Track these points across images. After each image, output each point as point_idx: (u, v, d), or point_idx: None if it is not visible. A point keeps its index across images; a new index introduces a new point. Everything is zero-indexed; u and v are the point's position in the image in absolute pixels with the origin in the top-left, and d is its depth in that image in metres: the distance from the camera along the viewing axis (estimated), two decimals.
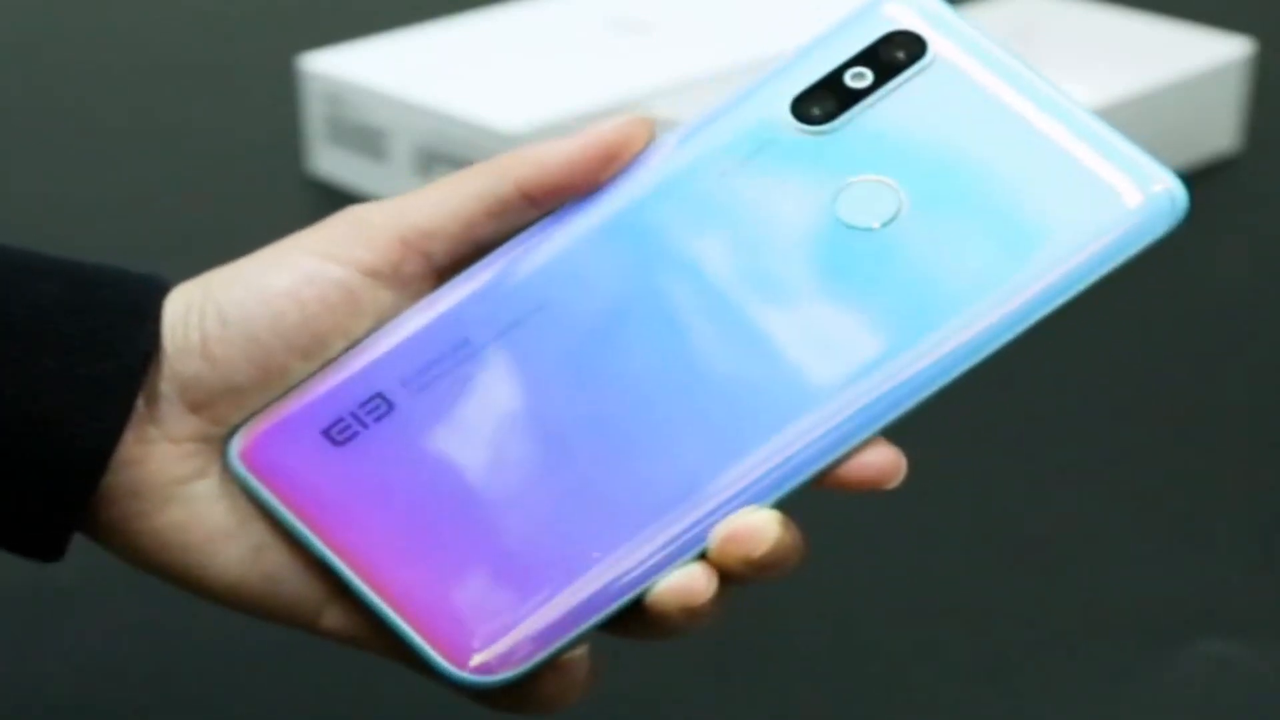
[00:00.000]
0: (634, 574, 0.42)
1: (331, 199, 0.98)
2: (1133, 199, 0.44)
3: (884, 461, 0.43)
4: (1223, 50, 1.00)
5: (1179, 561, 0.67)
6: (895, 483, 0.43)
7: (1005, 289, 0.43)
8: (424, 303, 0.45)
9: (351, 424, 0.44)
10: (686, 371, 0.43)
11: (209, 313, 0.44)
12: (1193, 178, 0.99)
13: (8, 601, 0.64)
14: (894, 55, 0.45)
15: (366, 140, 0.96)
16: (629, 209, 0.44)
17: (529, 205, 0.45)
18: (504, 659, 0.42)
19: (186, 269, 0.97)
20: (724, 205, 0.44)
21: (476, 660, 0.42)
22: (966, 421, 0.76)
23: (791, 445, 0.42)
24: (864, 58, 0.45)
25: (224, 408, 0.44)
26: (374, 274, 0.44)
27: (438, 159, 0.94)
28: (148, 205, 0.98)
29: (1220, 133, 1.01)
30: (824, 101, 0.45)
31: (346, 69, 0.97)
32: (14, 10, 1.27)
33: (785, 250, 0.43)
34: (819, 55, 0.45)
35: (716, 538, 0.42)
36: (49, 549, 0.44)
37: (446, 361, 0.44)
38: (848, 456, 0.42)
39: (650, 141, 0.45)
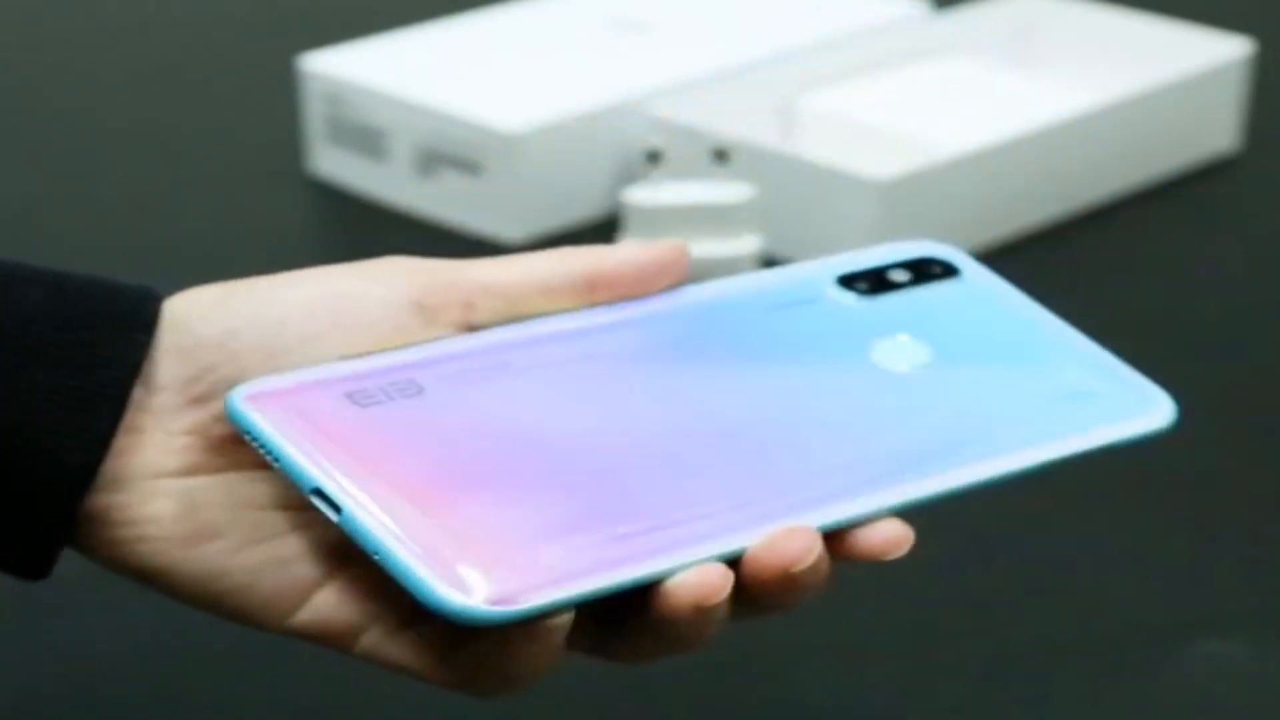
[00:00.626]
0: (660, 554, 0.41)
1: (331, 199, 0.98)
2: (1129, 406, 0.52)
3: (893, 533, 0.46)
4: (1223, 50, 1.00)
5: (1179, 561, 0.67)
6: (900, 553, 0.46)
7: (1010, 440, 0.48)
8: (466, 335, 0.45)
9: (376, 394, 0.43)
10: (728, 428, 0.45)
11: (237, 311, 0.44)
12: (1193, 178, 0.99)
13: (8, 601, 0.64)
14: (932, 269, 0.51)
15: (366, 140, 0.96)
16: (679, 311, 0.47)
17: (586, 291, 0.46)
18: (506, 596, 0.40)
19: (186, 268, 0.97)
20: (765, 328, 0.48)
21: (479, 592, 0.40)
22: None
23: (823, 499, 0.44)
24: (905, 265, 0.51)
25: (220, 403, 0.43)
26: (416, 305, 0.44)
27: (438, 159, 0.94)
28: (148, 205, 0.98)
29: (1220, 133, 1.01)
30: (866, 281, 0.50)
31: (346, 69, 0.97)
32: (13, 10, 1.27)
33: (822, 372, 0.47)
34: (865, 257, 0.51)
35: (760, 543, 0.42)
36: (34, 568, 0.44)
37: (485, 371, 0.45)
38: (861, 524, 0.45)
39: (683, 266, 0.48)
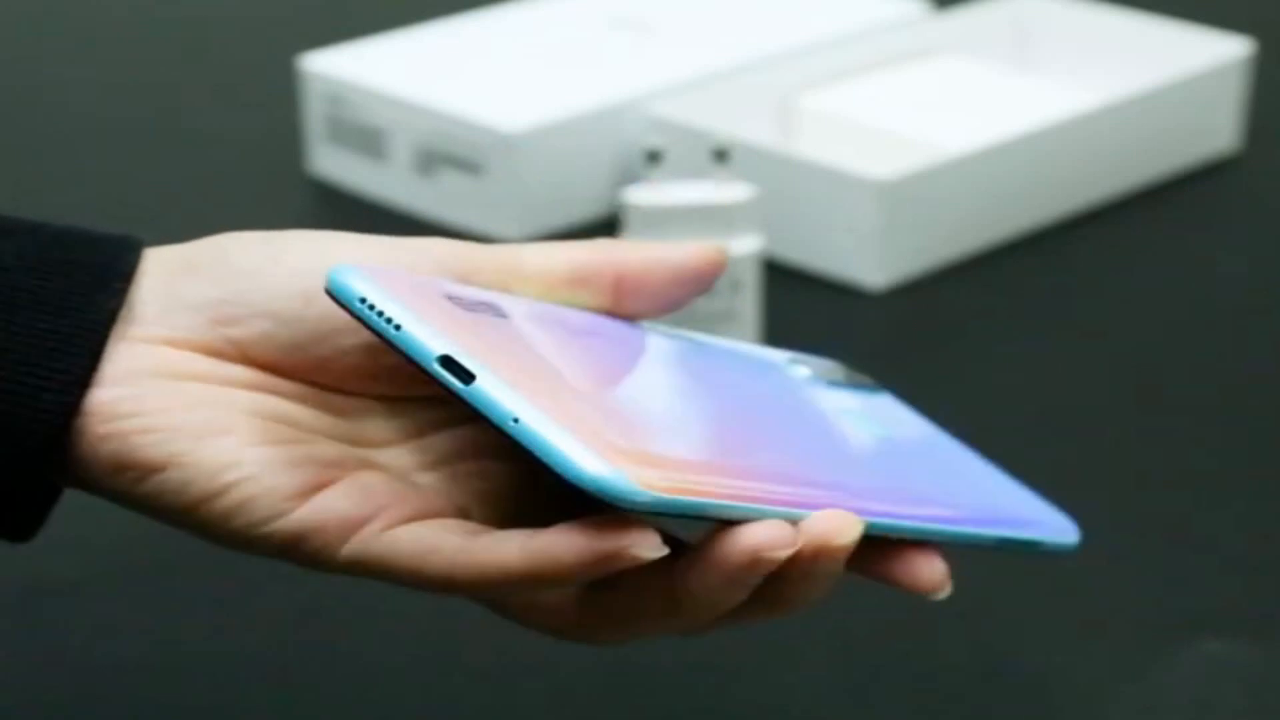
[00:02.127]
0: (779, 503, 0.42)
1: (331, 199, 0.98)
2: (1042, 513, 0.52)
3: (935, 572, 0.46)
4: (1223, 50, 1.01)
5: (1179, 561, 0.67)
6: (941, 593, 0.46)
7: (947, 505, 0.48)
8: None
9: (473, 304, 0.42)
10: (791, 422, 0.46)
11: (290, 243, 0.44)
12: (1193, 178, 0.99)
13: (8, 601, 0.64)
14: (857, 379, 0.52)
15: (366, 140, 0.96)
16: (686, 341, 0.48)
17: (612, 293, 0.46)
18: (656, 483, 0.38)
19: None
20: (752, 367, 0.48)
21: (635, 474, 0.37)
22: (967, 421, 0.76)
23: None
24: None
25: (246, 327, 0.43)
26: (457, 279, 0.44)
27: (438, 159, 0.94)
28: (148, 205, 0.98)
29: (1220, 133, 1.01)
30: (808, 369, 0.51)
31: (346, 69, 0.97)
32: (13, 10, 1.27)
33: (822, 416, 0.48)
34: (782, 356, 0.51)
35: (815, 516, 0.42)
36: (16, 524, 0.43)
37: (557, 317, 0.44)
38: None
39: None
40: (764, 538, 0.41)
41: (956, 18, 1.06)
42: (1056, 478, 0.73)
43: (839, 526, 0.42)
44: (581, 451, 0.37)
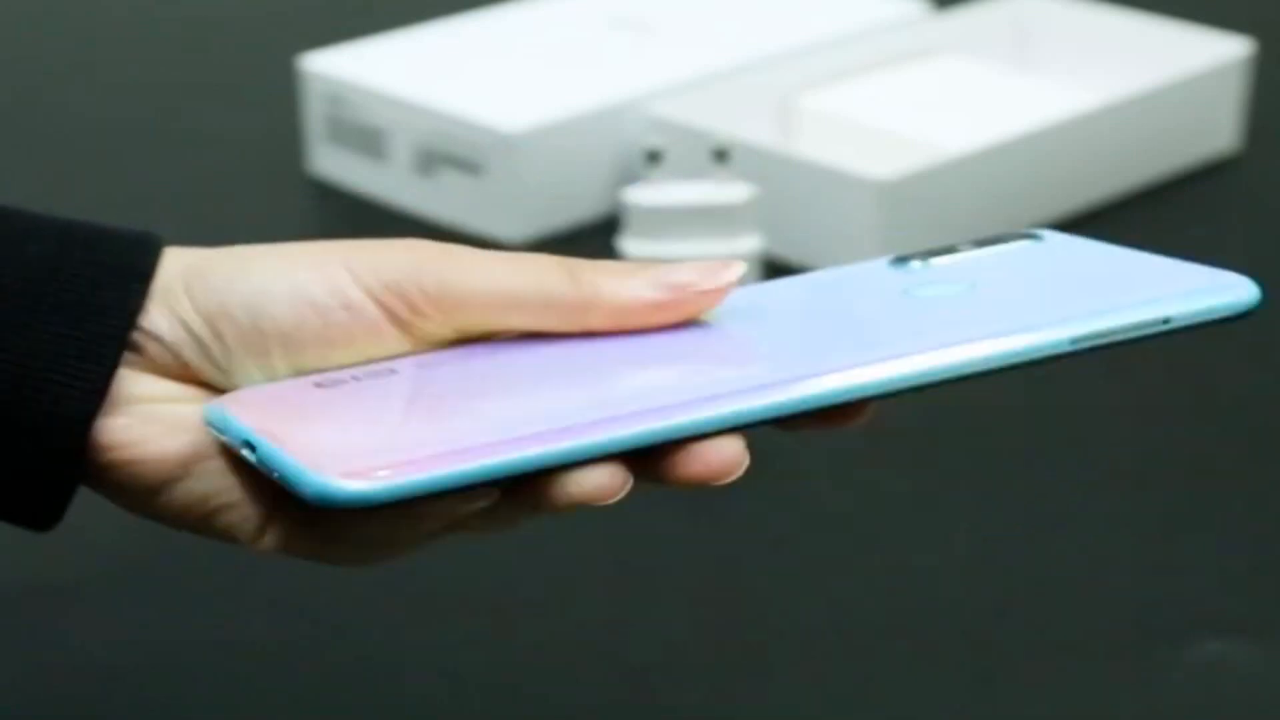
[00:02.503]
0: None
1: (331, 199, 0.98)
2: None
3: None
4: (1223, 50, 1.00)
5: (1179, 561, 0.67)
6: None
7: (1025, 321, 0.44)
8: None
9: (347, 379, 0.44)
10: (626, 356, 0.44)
11: (238, 289, 0.44)
12: (1193, 178, 0.99)
13: (8, 601, 0.64)
14: (1005, 238, 0.48)
15: (366, 140, 0.96)
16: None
17: (584, 327, 0.45)
18: (368, 473, 0.40)
19: None
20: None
21: (345, 472, 0.40)
22: (967, 422, 0.76)
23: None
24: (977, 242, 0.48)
25: (203, 375, 0.44)
26: (407, 330, 0.44)
27: (438, 159, 0.94)
28: (148, 205, 0.98)
29: (1220, 133, 1.01)
30: (923, 256, 0.47)
31: (346, 69, 0.97)
32: (13, 10, 1.27)
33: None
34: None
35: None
36: (39, 517, 0.44)
37: (454, 356, 0.45)
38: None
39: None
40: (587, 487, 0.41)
41: (956, 18, 1.06)
42: (1056, 477, 0.73)
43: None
44: (305, 469, 0.40)
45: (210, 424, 0.44)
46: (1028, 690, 0.61)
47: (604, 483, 0.41)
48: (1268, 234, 0.94)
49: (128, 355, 0.44)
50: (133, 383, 0.44)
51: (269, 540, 0.44)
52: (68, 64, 1.17)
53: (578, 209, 0.94)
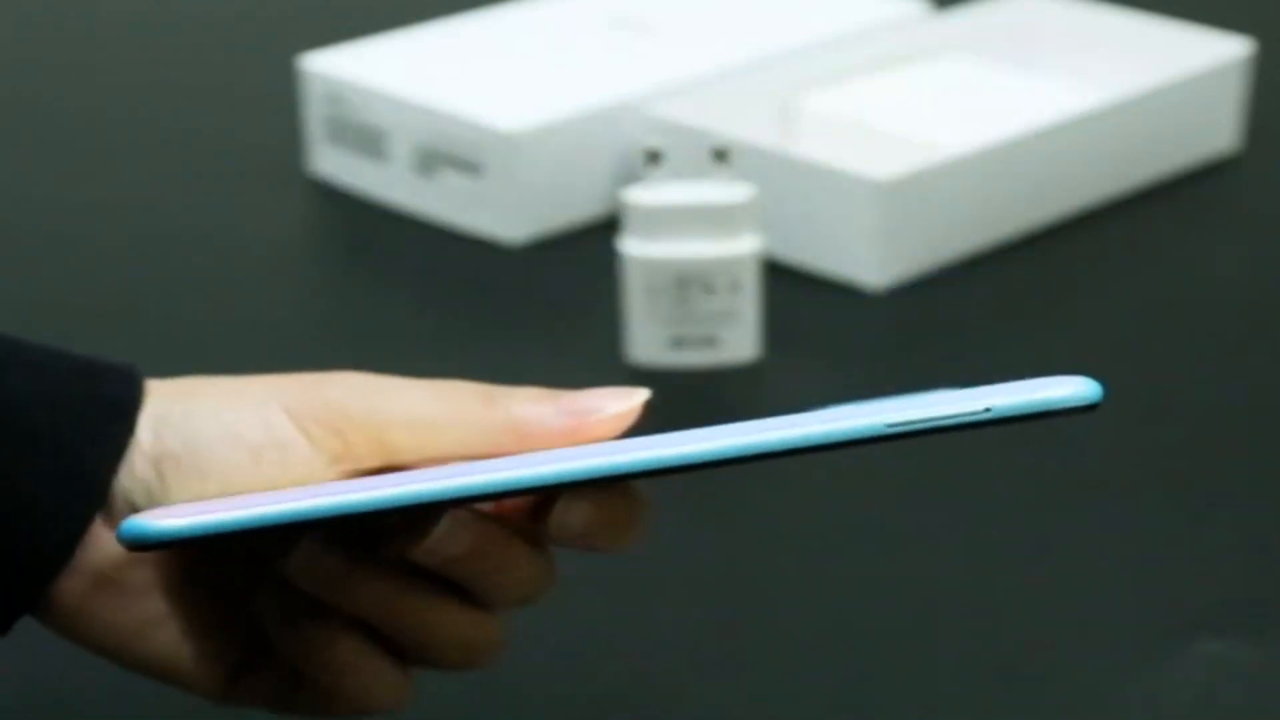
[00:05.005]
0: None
1: (331, 199, 0.98)
2: None
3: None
4: (1223, 50, 1.00)
5: (1179, 561, 0.67)
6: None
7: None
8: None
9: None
10: None
11: (179, 431, 0.46)
12: (1193, 178, 0.99)
13: None
14: None
15: (366, 140, 0.96)
16: None
17: (498, 449, 0.46)
18: (174, 517, 0.43)
19: (187, 269, 0.97)
20: None
21: (156, 519, 0.43)
22: None
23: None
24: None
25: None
26: (338, 460, 0.46)
27: (438, 159, 0.94)
28: (148, 205, 0.98)
29: (1220, 133, 1.01)
30: None
31: (346, 69, 0.97)
32: (14, 11, 1.27)
33: None
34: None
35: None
36: None
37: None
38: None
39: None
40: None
41: (956, 18, 1.06)
42: (1056, 477, 0.73)
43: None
44: (129, 522, 0.43)
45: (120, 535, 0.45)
46: (1028, 690, 0.61)
47: (445, 535, 0.44)
48: (1268, 234, 0.94)
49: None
50: (98, 546, 0.46)
51: (237, 695, 0.48)
52: (68, 64, 1.17)
53: (578, 209, 0.94)
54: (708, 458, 0.43)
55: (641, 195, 0.79)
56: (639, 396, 0.47)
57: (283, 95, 1.07)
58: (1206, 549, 0.68)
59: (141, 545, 0.43)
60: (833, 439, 0.44)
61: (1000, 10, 1.07)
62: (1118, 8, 1.10)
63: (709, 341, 0.80)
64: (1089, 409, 0.44)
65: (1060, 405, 0.44)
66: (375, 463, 0.46)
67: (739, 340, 0.80)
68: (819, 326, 0.85)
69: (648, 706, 0.60)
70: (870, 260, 0.87)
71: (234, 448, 0.45)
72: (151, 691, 0.52)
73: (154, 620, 0.47)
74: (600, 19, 1.05)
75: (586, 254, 0.91)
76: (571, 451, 0.44)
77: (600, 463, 0.43)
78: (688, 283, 0.79)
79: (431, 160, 0.94)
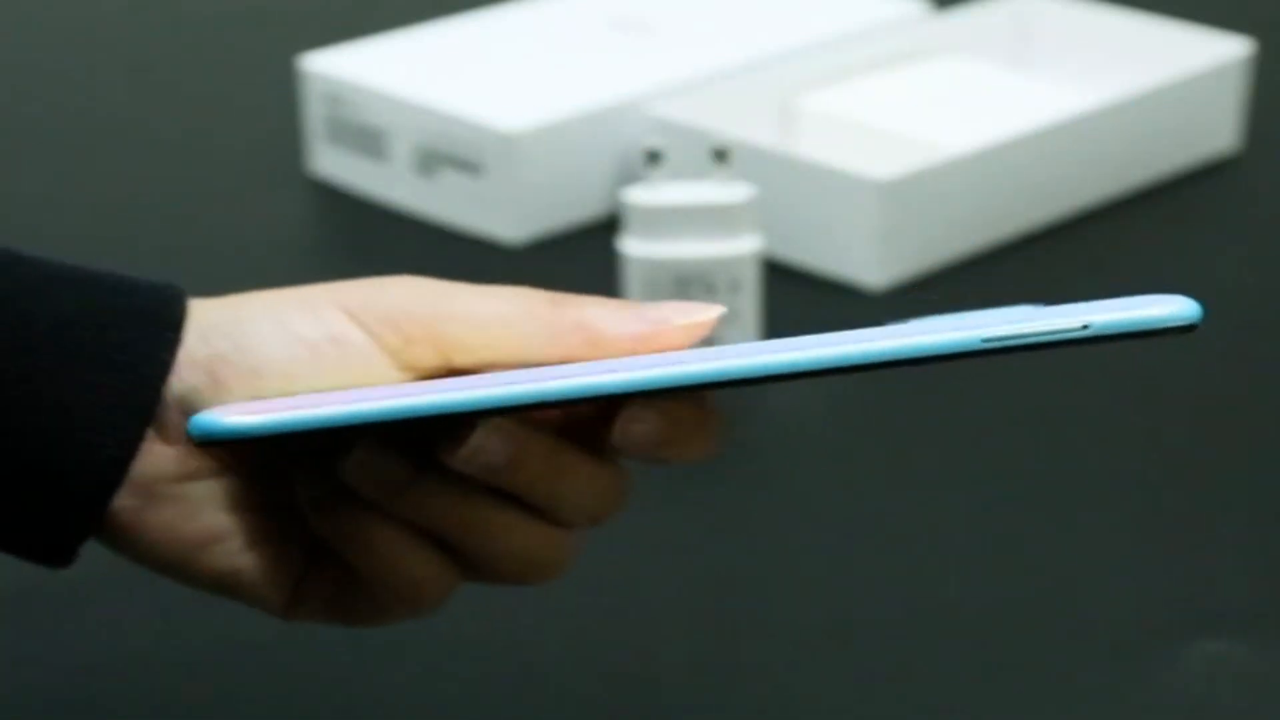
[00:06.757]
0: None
1: (331, 199, 0.98)
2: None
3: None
4: (1223, 50, 1.00)
5: (1179, 561, 0.67)
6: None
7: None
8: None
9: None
10: None
11: (229, 335, 0.45)
12: (1193, 178, 0.99)
13: (8, 601, 0.64)
14: None
15: (366, 140, 0.96)
16: None
17: (566, 353, 0.45)
18: (242, 414, 0.43)
19: (188, 268, 0.97)
20: None
21: (225, 415, 0.43)
22: (967, 422, 0.76)
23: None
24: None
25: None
26: (395, 355, 0.45)
27: (438, 159, 0.94)
28: (148, 205, 0.98)
29: (1220, 133, 1.01)
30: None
31: (346, 69, 0.97)
32: (14, 10, 1.27)
33: None
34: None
35: None
36: (61, 555, 0.46)
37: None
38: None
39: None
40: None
41: (956, 18, 1.06)
42: (1056, 477, 0.73)
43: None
44: (198, 418, 0.43)
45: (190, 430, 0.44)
46: (1028, 690, 0.61)
47: (480, 444, 0.43)
48: (1268, 234, 0.94)
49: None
50: (152, 459, 0.45)
51: (299, 609, 0.48)
52: (67, 64, 1.17)
53: (578, 209, 0.94)
54: (792, 368, 0.41)
55: (641, 195, 0.79)
56: (714, 310, 0.46)
57: (283, 95, 1.07)
58: (1206, 549, 0.68)
59: (211, 441, 0.42)
60: (925, 352, 0.42)
61: (1000, 10, 1.07)
62: (1117, 8, 1.10)
63: (709, 341, 0.80)
64: (1188, 329, 0.42)
65: (1160, 324, 0.42)
66: (435, 362, 0.45)
67: (739, 340, 0.80)
68: (819, 326, 0.84)
69: (648, 706, 0.60)
70: (870, 260, 0.87)
71: (290, 344, 0.45)
72: (152, 691, 0.52)
73: (214, 535, 0.46)
74: (600, 19, 1.06)
75: (586, 254, 0.91)
76: (639, 360, 0.43)
77: (670, 371, 0.42)
78: (688, 283, 0.79)
79: (431, 160, 0.94)
